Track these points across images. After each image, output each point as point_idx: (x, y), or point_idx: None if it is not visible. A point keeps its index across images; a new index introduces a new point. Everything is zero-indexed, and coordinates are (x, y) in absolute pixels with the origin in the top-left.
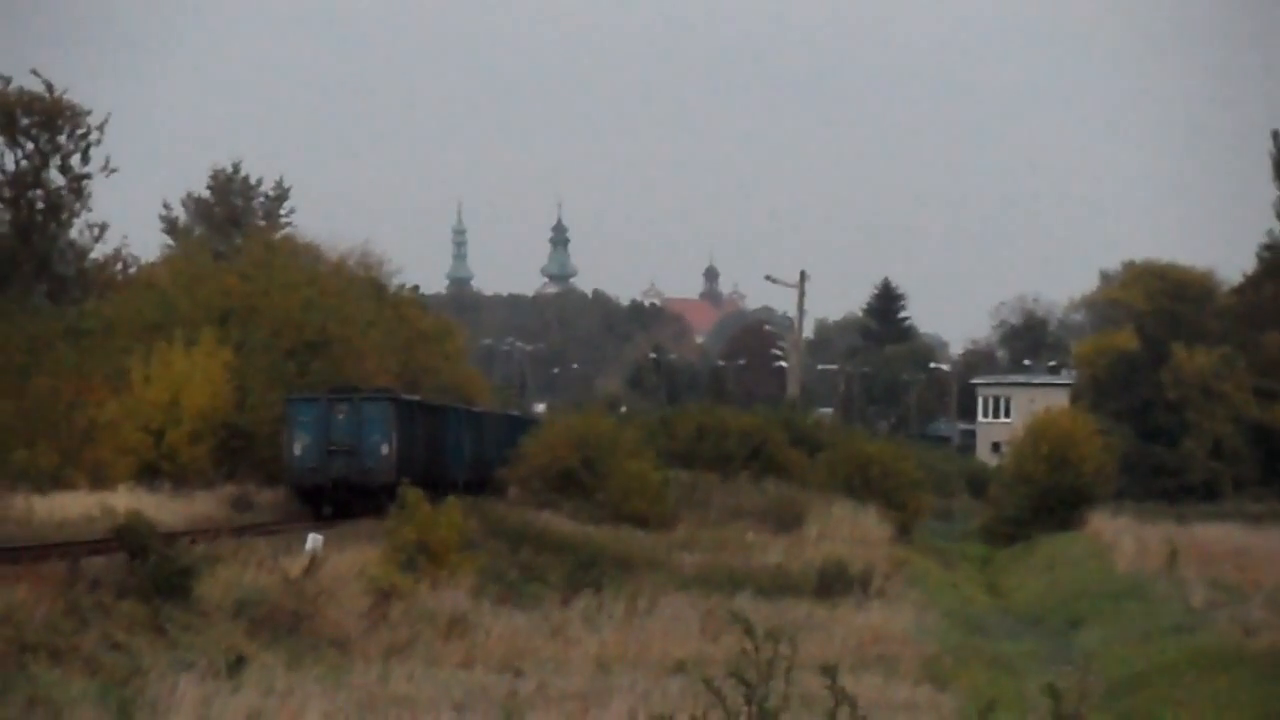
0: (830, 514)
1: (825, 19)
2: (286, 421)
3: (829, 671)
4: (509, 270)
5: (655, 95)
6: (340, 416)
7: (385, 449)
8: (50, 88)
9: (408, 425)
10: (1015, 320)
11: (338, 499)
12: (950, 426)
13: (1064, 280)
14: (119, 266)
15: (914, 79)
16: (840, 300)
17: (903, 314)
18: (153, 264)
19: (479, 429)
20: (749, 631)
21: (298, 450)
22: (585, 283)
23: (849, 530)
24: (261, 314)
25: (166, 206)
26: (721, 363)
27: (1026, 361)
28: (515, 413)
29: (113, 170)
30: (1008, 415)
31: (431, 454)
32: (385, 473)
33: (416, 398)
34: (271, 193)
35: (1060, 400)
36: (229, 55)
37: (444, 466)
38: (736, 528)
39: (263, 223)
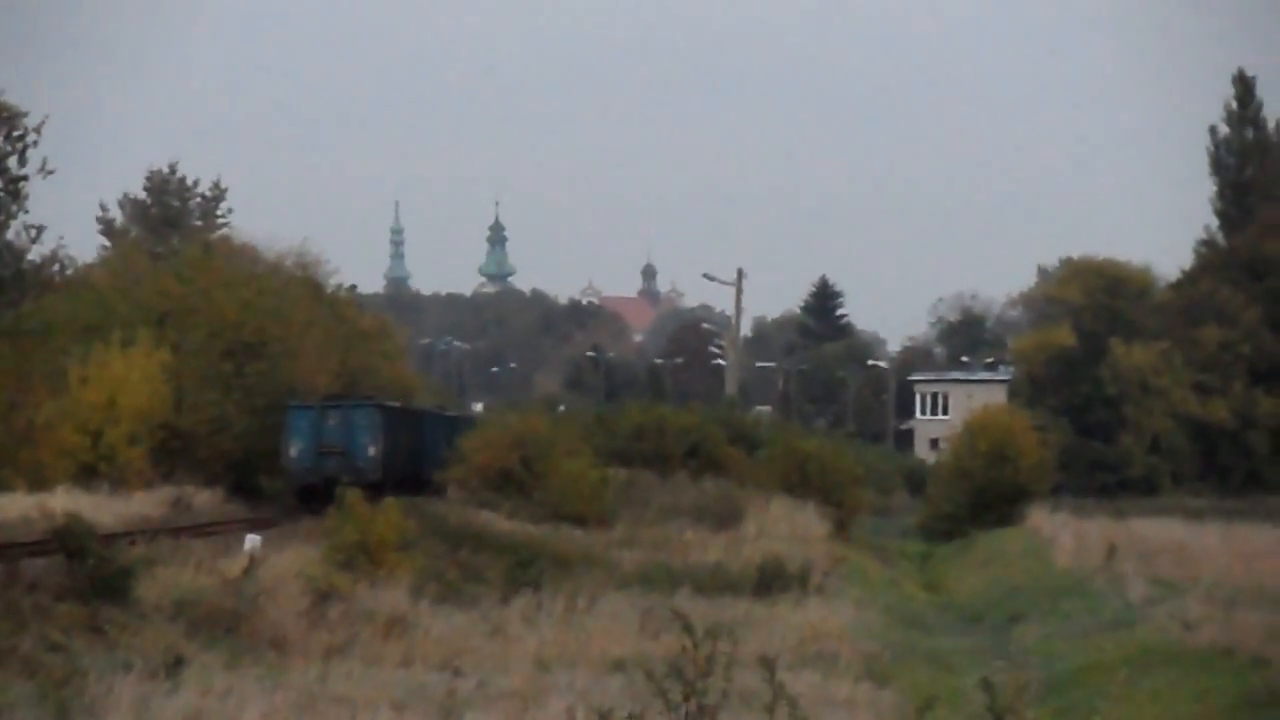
0: (768, 512)
1: (760, 17)
2: (284, 426)
3: (767, 665)
4: (447, 270)
5: (592, 93)
6: (331, 422)
7: (372, 450)
8: None
9: (392, 429)
10: (953, 317)
11: (330, 496)
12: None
13: (1002, 277)
14: (56, 268)
15: (851, 76)
16: (778, 298)
17: (840, 311)
18: (90, 265)
19: (451, 431)
20: (687, 628)
21: (294, 452)
22: (523, 282)
23: (787, 528)
24: (199, 315)
25: (103, 208)
26: (660, 361)
27: (964, 358)
28: (473, 416)
29: (50, 172)
30: (946, 412)
31: (411, 454)
32: (373, 471)
33: (398, 404)
34: (208, 193)
35: (998, 397)
36: (166, 57)
37: (422, 465)
38: (675, 526)
39: (199, 223)
